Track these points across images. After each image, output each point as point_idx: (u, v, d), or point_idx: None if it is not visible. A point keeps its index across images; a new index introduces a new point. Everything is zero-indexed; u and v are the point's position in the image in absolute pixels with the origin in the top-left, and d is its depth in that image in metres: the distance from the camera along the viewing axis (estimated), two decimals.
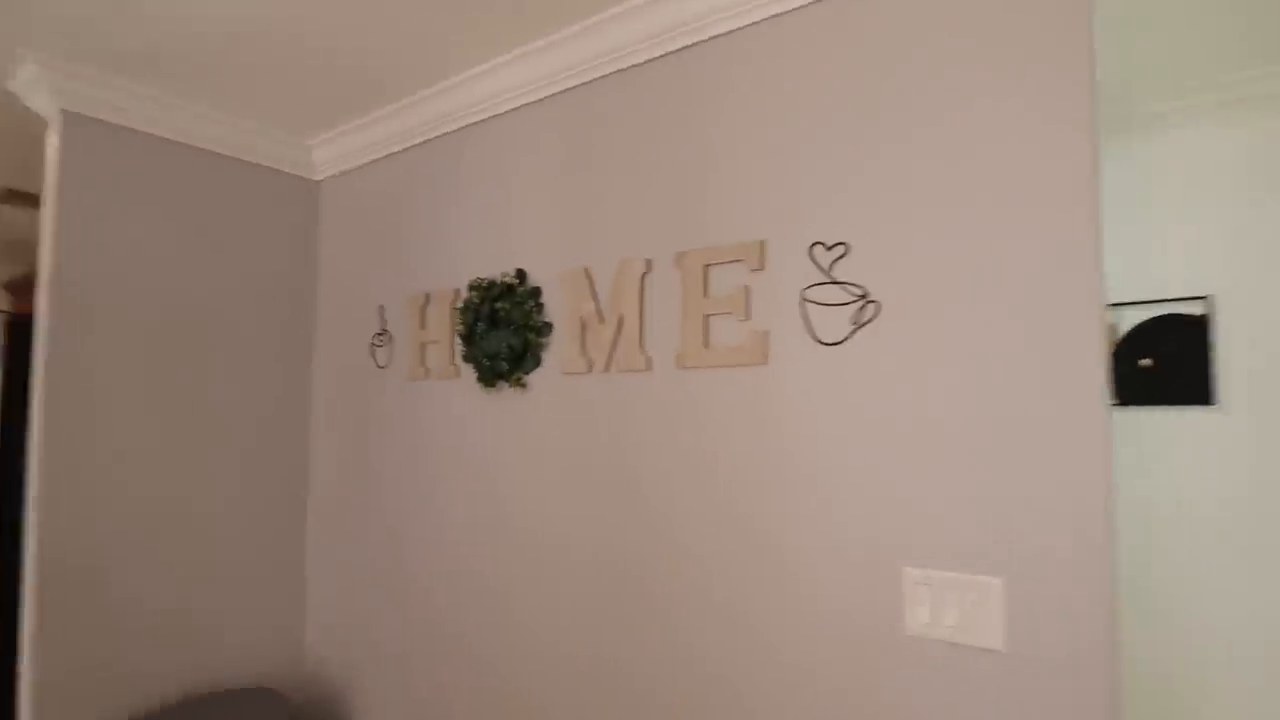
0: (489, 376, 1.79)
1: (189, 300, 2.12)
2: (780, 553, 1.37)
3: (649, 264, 1.56)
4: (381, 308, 2.15)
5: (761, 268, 1.39)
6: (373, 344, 2.17)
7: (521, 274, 1.77)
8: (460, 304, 1.88)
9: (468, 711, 1.86)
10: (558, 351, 1.72)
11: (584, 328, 1.65)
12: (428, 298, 2.00)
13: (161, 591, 2.06)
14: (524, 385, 1.76)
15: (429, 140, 2.07)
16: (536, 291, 1.75)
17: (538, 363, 1.74)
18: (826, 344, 1.32)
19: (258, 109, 2.11)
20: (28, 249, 3.12)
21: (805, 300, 1.34)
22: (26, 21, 1.67)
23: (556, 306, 1.72)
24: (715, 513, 1.45)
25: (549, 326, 1.73)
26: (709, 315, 1.46)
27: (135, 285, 2.02)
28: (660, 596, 1.53)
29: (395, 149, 2.14)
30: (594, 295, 1.64)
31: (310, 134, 2.28)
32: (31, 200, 2.74)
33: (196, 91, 2.01)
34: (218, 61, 1.84)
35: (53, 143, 1.94)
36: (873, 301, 1.27)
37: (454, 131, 2.00)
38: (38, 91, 1.89)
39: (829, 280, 1.32)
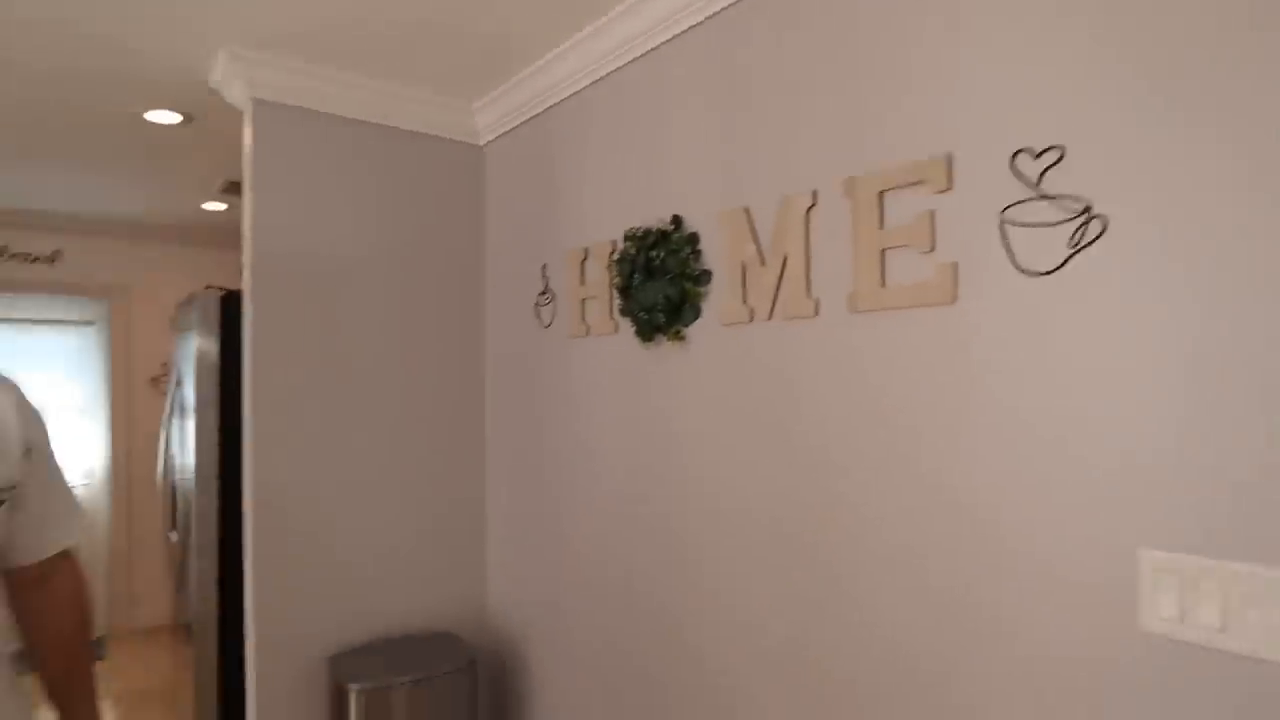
0: (647, 330, 1.70)
1: (372, 270, 2.24)
2: (975, 523, 1.16)
3: (814, 196, 1.38)
4: (544, 266, 2.14)
5: (948, 188, 1.17)
6: (537, 303, 2.16)
7: (677, 220, 1.66)
8: (616, 255, 1.81)
9: (638, 667, 1.83)
10: (717, 301, 1.59)
11: (744, 273, 1.51)
12: (586, 253, 1.94)
13: (357, 544, 2.22)
14: (683, 338, 1.65)
15: (578, 92, 1.99)
16: (693, 238, 1.62)
17: (696, 314, 1.62)
18: (1033, 274, 1.07)
19: (423, 78, 2.15)
20: None
21: (1005, 223, 1.10)
22: (220, 15, 1.79)
23: (715, 252, 1.59)
24: (900, 476, 1.26)
25: (707, 275, 1.60)
26: (885, 249, 1.26)
27: (323, 258, 2.15)
28: (840, 567, 1.37)
29: (549, 103, 2.09)
30: (754, 236, 1.49)
31: (473, 98, 2.30)
32: None
33: (368, 69, 2.08)
34: (384, 36, 1.88)
35: (247, 131, 2.10)
36: (1096, 217, 1.01)
37: (602, 79, 1.91)
38: (232, 83, 2.04)
39: (1037, 195, 1.07)
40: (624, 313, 1.77)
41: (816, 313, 1.38)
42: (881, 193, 1.26)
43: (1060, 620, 1.07)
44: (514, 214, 2.30)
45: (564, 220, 2.06)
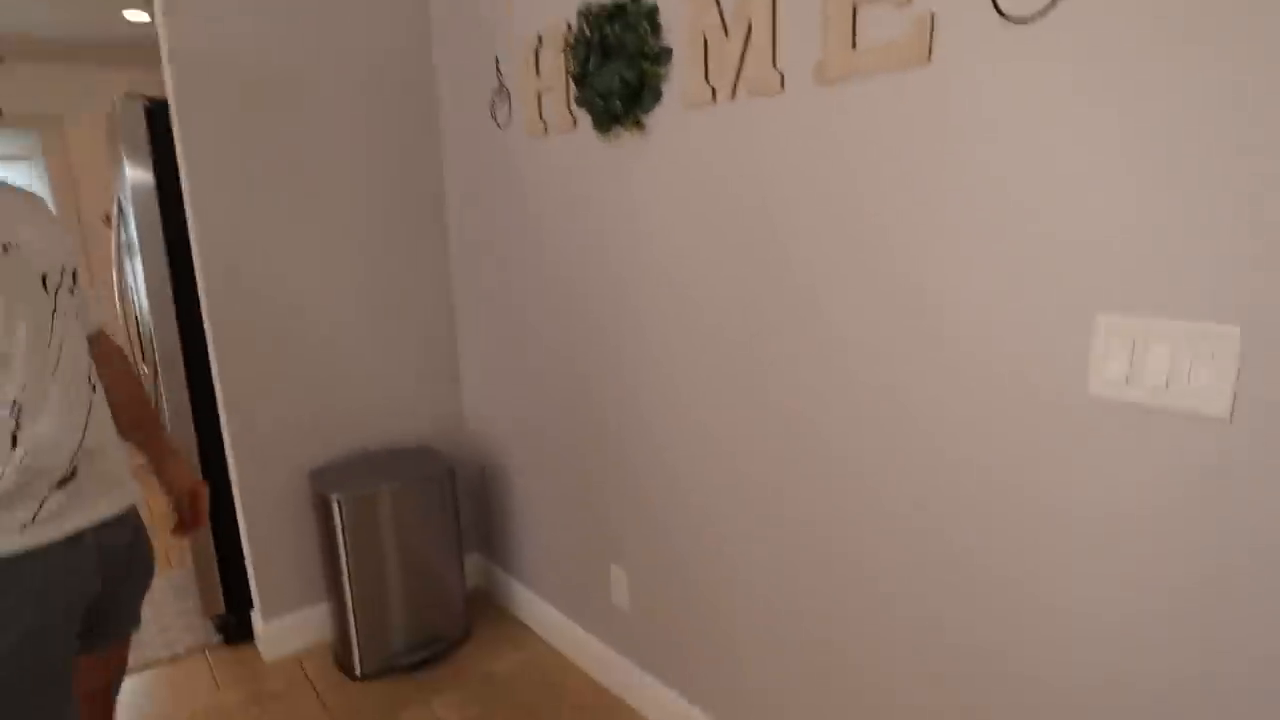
0: (604, 120, 1.59)
1: (315, 75, 2.05)
2: (942, 306, 1.14)
3: None
4: (496, 59, 1.97)
5: None
6: (492, 102, 2.01)
7: None
8: (571, 38, 1.65)
9: (608, 476, 1.89)
10: (678, 83, 1.47)
11: (706, 47, 1.38)
12: (540, 39, 1.78)
13: (326, 361, 2.21)
14: (642, 127, 1.55)
15: None
16: (652, 11, 1.47)
17: (656, 98, 1.51)
18: (1015, 20, 0.98)
19: None
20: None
21: None
22: None
23: (675, 26, 1.45)
24: (864, 262, 1.23)
25: (667, 52, 1.47)
26: (858, 5, 1.14)
27: (255, 63, 1.97)
28: (804, 364, 1.37)
29: None
30: (717, 2, 1.35)
31: None
32: None
33: None
34: None
35: None
36: None
37: None
38: None
39: None
40: (580, 103, 1.65)
41: (782, 87, 1.28)
42: None
43: (1009, 395, 1.08)
44: (460, 2, 2.09)
45: (515, 3, 1.87)
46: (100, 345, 1.31)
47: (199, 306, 2.07)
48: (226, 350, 2.05)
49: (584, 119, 1.70)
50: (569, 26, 1.68)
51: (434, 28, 2.22)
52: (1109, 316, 0.97)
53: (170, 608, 2.63)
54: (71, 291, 1.16)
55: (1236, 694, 0.94)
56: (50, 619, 1.05)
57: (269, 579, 2.23)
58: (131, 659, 2.34)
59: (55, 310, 1.11)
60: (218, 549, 2.29)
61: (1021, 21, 0.98)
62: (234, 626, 2.37)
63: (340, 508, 2.02)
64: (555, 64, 1.74)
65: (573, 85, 1.68)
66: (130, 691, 2.17)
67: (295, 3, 2.00)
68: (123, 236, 2.36)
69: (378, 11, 2.13)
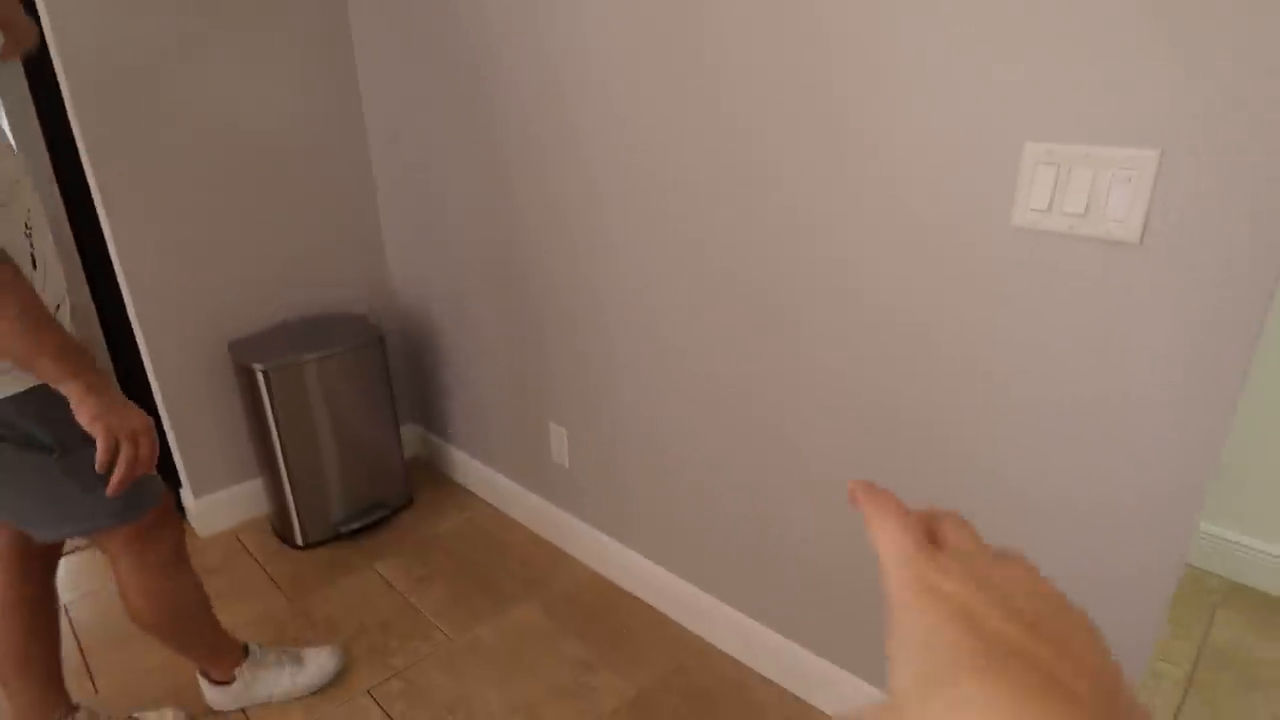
0: None
1: None
2: (877, 145, 1.14)
3: None
4: None
5: None
6: None
7: None
8: None
9: (544, 336, 1.88)
10: None
11: None
12: None
13: (238, 228, 2.07)
14: None
15: None
16: None
17: None
18: None
19: None
20: None
21: None
22: None
23: None
24: (797, 93, 1.20)
25: None
26: None
27: None
28: (738, 205, 1.36)
29: None
30: None
31: None
32: None
33: None
34: None
35: None
36: None
37: None
38: None
39: None
40: None
41: None
42: None
43: (944, 223, 1.11)
44: None
45: None
46: None
47: (82, 174, 1.88)
48: (118, 207, 1.87)
49: None
50: None
51: None
52: (1037, 145, 0.99)
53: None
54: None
55: (1128, 511, 1.04)
56: None
57: (196, 457, 2.17)
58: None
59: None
60: None
61: None
62: None
63: (266, 378, 1.96)
64: None
65: None
66: (63, 569, 2.13)
67: None
68: None
69: None
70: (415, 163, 2.09)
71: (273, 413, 1.99)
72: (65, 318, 1.17)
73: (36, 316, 1.00)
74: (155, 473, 1.21)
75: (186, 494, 2.23)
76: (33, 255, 1.09)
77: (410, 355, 2.49)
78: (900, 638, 0.24)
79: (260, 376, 1.96)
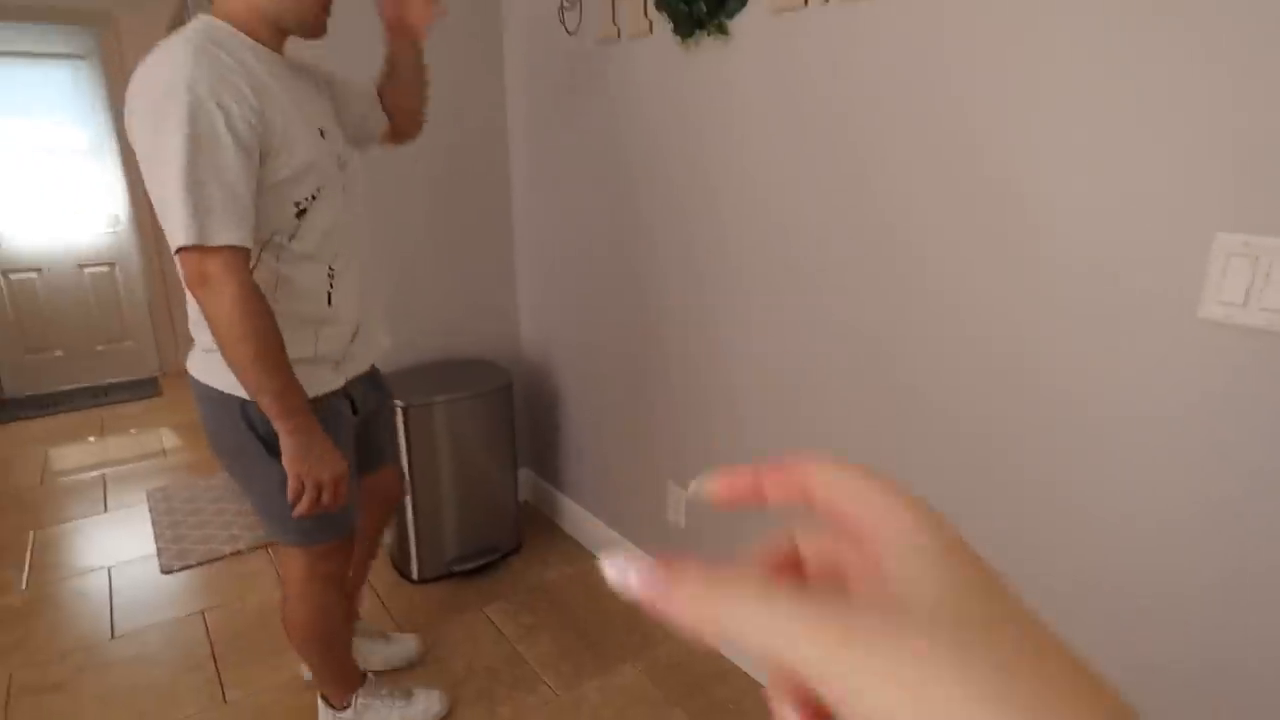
0: (686, 25, 1.53)
1: None
2: (1038, 225, 1.10)
3: None
4: None
5: None
6: (562, 6, 1.95)
7: None
8: None
9: (668, 393, 1.89)
10: None
11: None
12: None
13: (386, 267, 2.21)
14: (726, 33, 1.49)
15: None
16: None
17: (742, 3, 1.44)
18: None
19: None
20: None
21: None
22: None
23: None
24: (961, 175, 1.18)
25: None
26: None
27: None
28: (885, 282, 1.34)
29: None
30: None
31: None
32: None
33: None
34: None
35: None
36: None
37: None
38: None
39: None
40: (661, 6, 1.59)
41: None
42: None
43: (1117, 312, 1.04)
44: None
45: None
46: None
47: None
48: None
49: (661, 24, 1.63)
50: None
51: None
52: (1230, 236, 0.93)
53: (234, 505, 2.74)
54: (344, 168, 1.31)
55: None
56: (348, 441, 1.36)
57: None
58: (199, 551, 2.45)
59: (344, 186, 1.30)
60: None
61: None
62: None
63: (404, 415, 2.06)
64: None
65: None
66: (196, 580, 2.29)
67: None
68: None
69: None
70: (555, 219, 2.19)
71: (406, 448, 2.08)
72: (351, 338, 1.39)
73: (272, 360, 1.15)
74: (346, 509, 1.34)
75: None
76: (330, 294, 1.30)
77: (532, 401, 2.55)
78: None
79: (400, 413, 2.06)
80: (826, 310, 1.44)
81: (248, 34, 1.18)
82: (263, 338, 1.13)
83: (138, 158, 1.13)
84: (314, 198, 1.22)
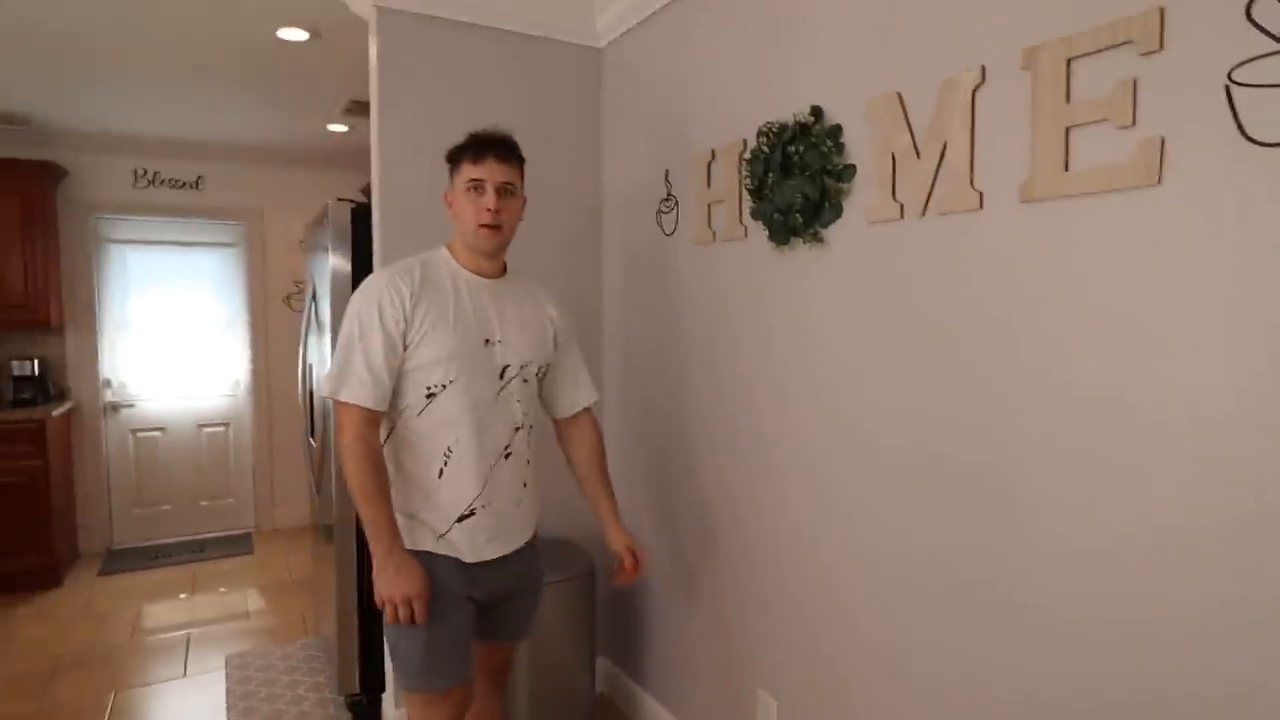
0: (781, 233, 1.61)
1: None
2: (1147, 434, 1.04)
3: (983, 73, 1.23)
4: (667, 172, 2.05)
5: (1158, 48, 1.00)
6: (659, 210, 2.09)
7: (817, 111, 1.53)
8: (748, 155, 1.70)
9: (760, 592, 1.80)
10: (861, 198, 1.47)
11: (895, 165, 1.38)
12: (713, 154, 1.85)
13: None
14: (822, 241, 1.55)
15: None
16: (835, 130, 1.50)
17: (838, 213, 1.51)
18: (1266, 144, 0.91)
19: None
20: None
21: (1233, 84, 0.94)
22: None
23: (860, 144, 1.47)
24: (1063, 388, 1.14)
25: (851, 169, 1.48)
26: (1071, 128, 1.11)
27: (443, 169, 2.14)
28: (987, 496, 1.27)
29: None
30: (908, 124, 1.36)
31: None
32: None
33: None
34: None
35: (372, 40, 2.09)
36: None
37: None
38: None
39: None
40: (755, 215, 1.68)
41: (981, 205, 1.25)
42: (1070, 61, 1.10)
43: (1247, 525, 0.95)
44: (633, 119, 2.22)
45: (688, 122, 1.97)
46: (582, 419, 1.72)
47: None
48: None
49: (755, 230, 1.72)
50: (744, 144, 1.74)
51: (605, 142, 2.36)
52: None
53: (307, 678, 2.69)
54: (526, 381, 1.54)
55: None
56: (449, 601, 1.47)
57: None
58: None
59: (500, 392, 1.50)
60: (360, 629, 2.34)
61: (1270, 145, 0.91)
62: (365, 708, 2.39)
63: None
64: (728, 178, 1.79)
65: (748, 198, 1.71)
66: None
67: (480, 110, 2.16)
68: (311, 316, 2.58)
69: (556, 124, 2.29)
70: (641, 403, 2.22)
71: None
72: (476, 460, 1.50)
73: (366, 495, 1.39)
74: (454, 661, 1.48)
75: (388, 701, 2.27)
76: (441, 469, 1.46)
77: (613, 589, 2.47)
78: None
79: None
80: (931, 510, 1.37)
81: (454, 256, 1.53)
82: (364, 475, 1.39)
83: None
84: (444, 387, 1.45)
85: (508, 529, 1.53)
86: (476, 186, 1.47)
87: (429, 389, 1.45)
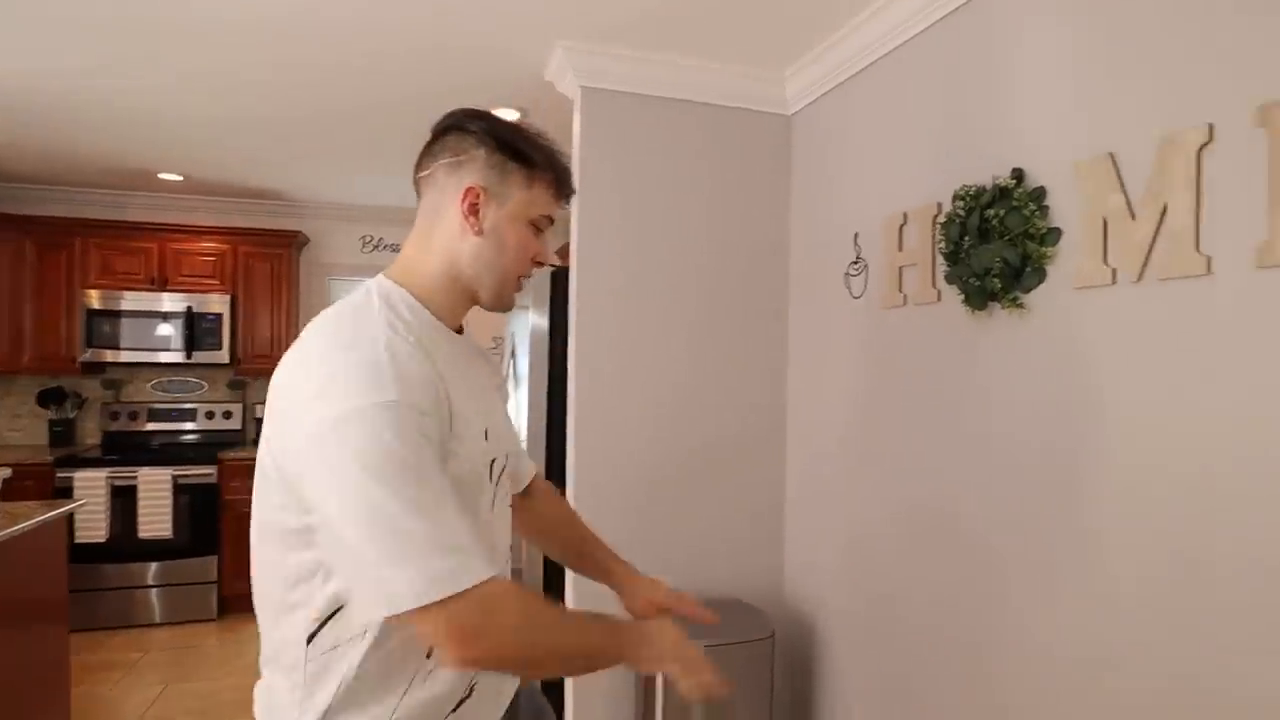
0: (978, 298, 1.57)
1: (684, 245, 2.34)
2: None
3: (1210, 131, 1.16)
4: (856, 235, 2.07)
5: None
6: (847, 273, 2.10)
7: (1019, 173, 1.50)
8: (943, 219, 1.69)
9: (955, 677, 1.71)
10: (1066, 263, 1.41)
11: (1106, 229, 1.32)
12: (905, 217, 1.85)
13: (665, 507, 2.34)
14: (1021, 306, 1.50)
15: (897, 48, 1.89)
16: (1039, 193, 1.46)
17: (1040, 278, 1.46)
18: None
19: (736, 52, 2.19)
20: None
21: None
22: (558, 14, 1.98)
23: (1065, 207, 1.42)
24: None
25: (1056, 233, 1.43)
26: None
27: (639, 233, 2.30)
28: (1234, 586, 1.16)
29: (861, 65, 2.02)
30: (1121, 186, 1.30)
31: (784, 67, 2.30)
32: None
33: (685, 48, 2.17)
34: (700, 16, 1.96)
35: (576, 117, 2.30)
36: None
37: (926, 30, 1.79)
38: (565, 74, 2.25)
39: None
40: (950, 279, 1.65)
41: (1209, 270, 1.16)
42: None
43: None
44: (821, 183, 2.26)
45: (878, 185, 1.98)
46: (537, 484, 1.31)
47: (564, 440, 2.35)
48: (583, 476, 2.27)
49: (950, 294, 1.69)
50: (938, 207, 1.73)
51: (793, 206, 2.42)
52: None
53: None
54: (504, 469, 1.08)
55: None
56: None
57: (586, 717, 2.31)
58: None
59: (495, 502, 1.04)
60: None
61: None
62: None
63: None
64: (920, 241, 1.78)
65: (942, 261, 1.69)
66: None
67: (675, 179, 2.32)
68: (510, 370, 2.83)
69: (746, 190, 2.39)
70: (827, 466, 2.20)
71: (662, 692, 2.06)
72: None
73: (572, 628, 0.97)
74: None
75: None
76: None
77: (790, 653, 2.43)
78: None
79: None
80: (1144, 616, 1.26)
81: (425, 305, 1.02)
82: (550, 615, 0.90)
83: None
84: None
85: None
86: (543, 224, 1.07)
87: None
